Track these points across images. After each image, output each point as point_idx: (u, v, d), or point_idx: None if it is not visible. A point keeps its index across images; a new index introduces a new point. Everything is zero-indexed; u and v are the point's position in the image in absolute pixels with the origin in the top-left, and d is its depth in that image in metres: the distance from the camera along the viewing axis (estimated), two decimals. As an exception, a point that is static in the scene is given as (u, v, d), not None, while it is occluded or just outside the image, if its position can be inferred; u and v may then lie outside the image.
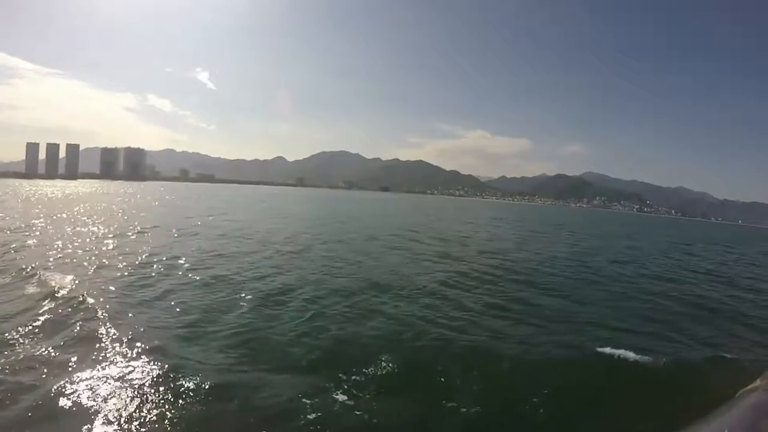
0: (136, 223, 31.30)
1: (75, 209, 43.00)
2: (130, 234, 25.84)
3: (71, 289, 12.04)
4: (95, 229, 27.34)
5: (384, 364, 8.26)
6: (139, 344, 8.48)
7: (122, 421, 6.07)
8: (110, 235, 24.64)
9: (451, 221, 57.71)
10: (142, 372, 7.44)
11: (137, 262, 16.89)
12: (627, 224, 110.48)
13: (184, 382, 7.15)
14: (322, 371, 7.97)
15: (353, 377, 7.70)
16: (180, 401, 6.64)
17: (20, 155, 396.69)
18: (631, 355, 9.14)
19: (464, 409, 6.91)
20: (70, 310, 10.51)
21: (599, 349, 9.40)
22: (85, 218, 34.33)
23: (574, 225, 72.68)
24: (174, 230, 28.58)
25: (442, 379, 7.94)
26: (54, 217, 33.70)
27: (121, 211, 44.18)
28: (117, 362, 7.80)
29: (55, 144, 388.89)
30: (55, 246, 19.75)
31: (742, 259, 35.78)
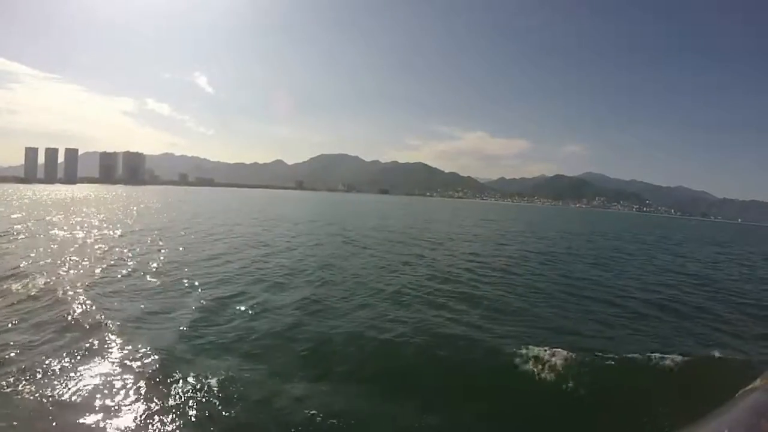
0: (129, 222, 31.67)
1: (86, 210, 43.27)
2: (128, 235, 26.33)
3: (70, 288, 12.27)
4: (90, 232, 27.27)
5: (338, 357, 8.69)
6: (138, 346, 8.56)
7: (122, 422, 6.13)
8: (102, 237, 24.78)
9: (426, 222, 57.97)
10: (142, 373, 7.49)
11: (132, 263, 17.20)
12: (617, 223, 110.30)
13: (182, 382, 7.26)
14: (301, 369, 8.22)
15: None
16: (178, 401, 6.71)
17: (19, 160, 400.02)
18: (629, 356, 9.16)
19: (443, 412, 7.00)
20: (68, 309, 10.59)
21: (595, 351, 9.35)
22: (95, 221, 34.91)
23: (563, 225, 72.09)
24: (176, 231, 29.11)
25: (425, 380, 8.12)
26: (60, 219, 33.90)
27: (126, 211, 44.61)
28: (117, 363, 7.85)
29: (54, 149, 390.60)
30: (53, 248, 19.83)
31: (732, 259, 35.06)
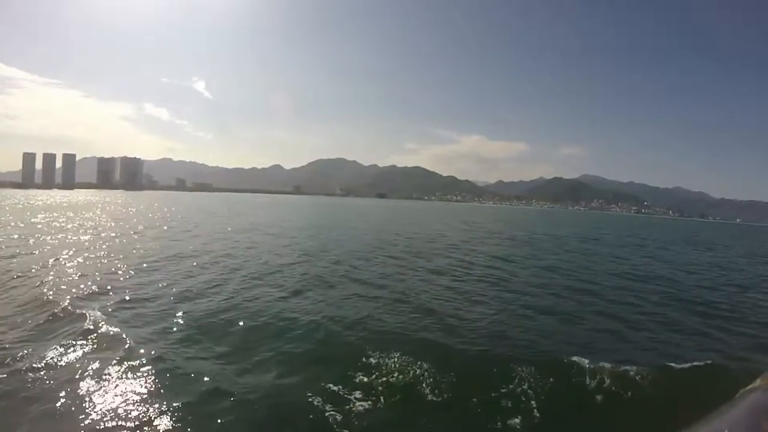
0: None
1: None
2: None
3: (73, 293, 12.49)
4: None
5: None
6: (139, 347, 8.62)
7: (122, 422, 6.16)
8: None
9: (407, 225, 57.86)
10: (143, 374, 7.54)
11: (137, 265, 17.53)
12: (606, 224, 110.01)
13: (182, 381, 7.35)
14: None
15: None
16: (178, 401, 6.73)
17: (17, 165, 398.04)
18: (629, 356, 9.17)
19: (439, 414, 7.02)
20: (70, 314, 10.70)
21: (591, 352, 9.28)
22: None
23: (544, 226, 71.43)
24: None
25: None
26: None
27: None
28: (118, 364, 7.89)
29: (51, 154, 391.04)
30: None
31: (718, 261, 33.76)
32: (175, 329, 10.06)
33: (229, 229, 36.37)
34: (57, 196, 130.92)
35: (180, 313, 11.15)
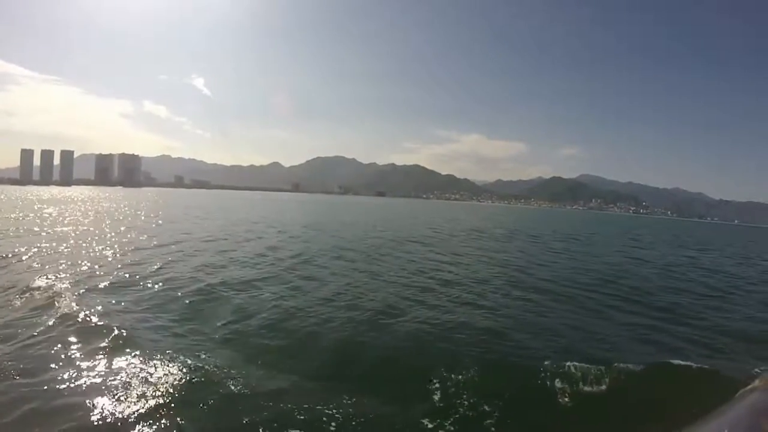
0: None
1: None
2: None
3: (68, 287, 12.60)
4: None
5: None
6: (139, 344, 8.61)
7: (122, 422, 6.07)
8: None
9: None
10: (144, 373, 7.47)
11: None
12: (597, 223, 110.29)
13: (183, 380, 7.26)
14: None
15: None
16: (179, 400, 6.69)
17: (16, 161, 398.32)
18: (628, 356, 9.13)
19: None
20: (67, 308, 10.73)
21: (590, 352, 9.27)
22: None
23: (526, 223, 71.62)
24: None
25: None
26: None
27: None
28: (118, 362, 7.82)
29: (49, 150, 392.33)
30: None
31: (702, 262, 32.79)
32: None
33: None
34: (50, 192, 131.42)
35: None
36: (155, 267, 16.35)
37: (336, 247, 25.14)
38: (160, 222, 38.08)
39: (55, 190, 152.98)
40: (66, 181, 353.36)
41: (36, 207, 52.24)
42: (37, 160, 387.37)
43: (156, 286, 13.41)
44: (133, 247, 21.14)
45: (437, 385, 7.66)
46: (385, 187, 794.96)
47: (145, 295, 12.45)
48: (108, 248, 20.35)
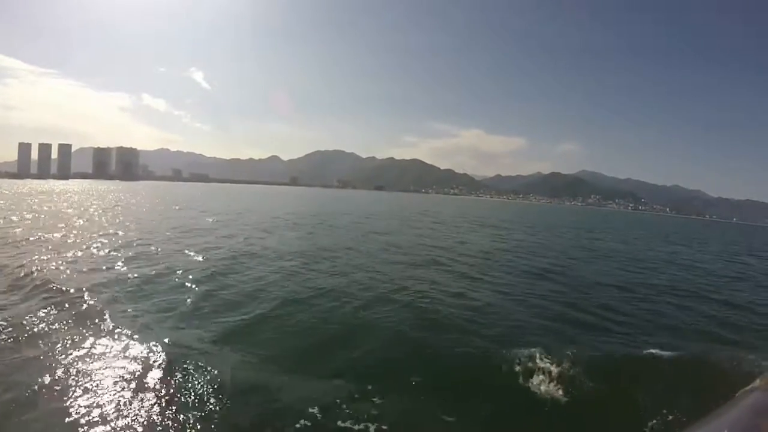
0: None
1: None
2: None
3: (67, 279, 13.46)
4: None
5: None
6: (140, 342, 8.76)
7: (122, 422, 6.11)
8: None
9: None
10: (145, 371, 7.56)
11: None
12: (586, 220, 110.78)
13: (183, 377, 7.40)
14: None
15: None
16: (179, 399, 6.77)
17: (14, 155, 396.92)
18: (627, 356, 9.28)
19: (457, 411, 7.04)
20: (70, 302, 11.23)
21: (591, 351, 9.36)
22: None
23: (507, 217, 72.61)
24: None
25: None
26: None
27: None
28: (119, 360, 7.97)
29: (47, 144, 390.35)
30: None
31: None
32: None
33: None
34: (42, 186, 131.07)
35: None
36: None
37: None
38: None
39: (46, 185, 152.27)
40: (64, 174, 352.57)
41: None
42: (34, 154, 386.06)
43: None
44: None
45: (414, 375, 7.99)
46: (383, 181, 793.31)
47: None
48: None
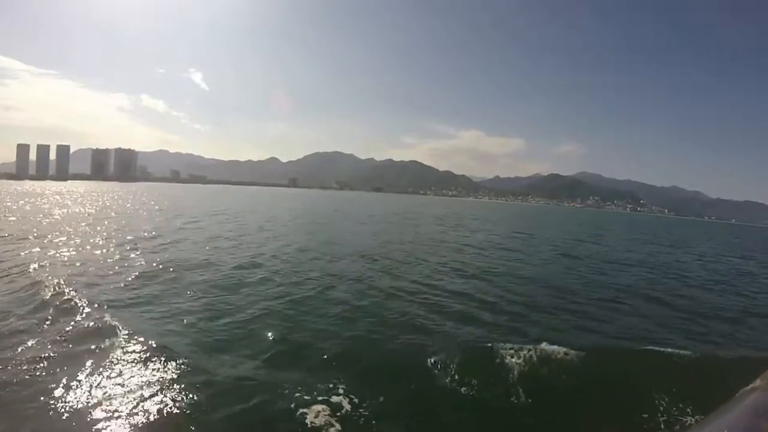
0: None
1: None
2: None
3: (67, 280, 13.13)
4: None
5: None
6: (140, 343, 8.63)
7: (117, 423, 6.08)
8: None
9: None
10: (145, 372, 7.55)
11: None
12: (580, 220, 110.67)
13: (182, 377, 7.36)
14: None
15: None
16: (180, 399, 6.74)
17: (12, 156, 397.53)
18: (627, 355, 9.30)
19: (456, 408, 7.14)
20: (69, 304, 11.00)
21: (590, 350, 9.41)
22: None
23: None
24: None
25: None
26: None
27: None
28: (118, 361, 7.92)
29: (45, 145, 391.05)
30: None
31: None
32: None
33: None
34: (37, 187, 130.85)
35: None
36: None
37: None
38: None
39: (31, 185, 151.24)
40: (62, 176, 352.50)
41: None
42: (33, 155, 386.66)
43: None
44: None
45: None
46: (382, 182, 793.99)
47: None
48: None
